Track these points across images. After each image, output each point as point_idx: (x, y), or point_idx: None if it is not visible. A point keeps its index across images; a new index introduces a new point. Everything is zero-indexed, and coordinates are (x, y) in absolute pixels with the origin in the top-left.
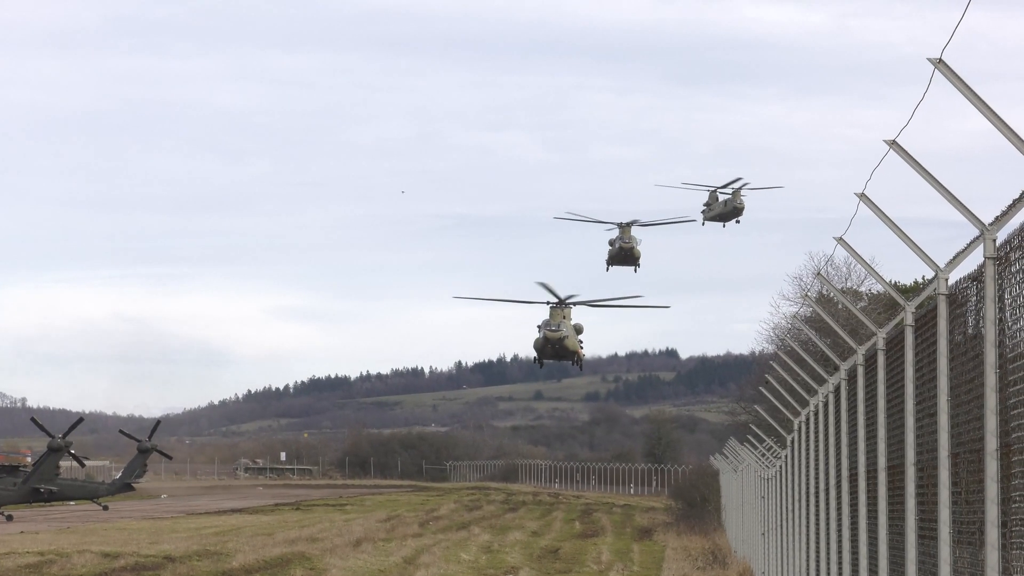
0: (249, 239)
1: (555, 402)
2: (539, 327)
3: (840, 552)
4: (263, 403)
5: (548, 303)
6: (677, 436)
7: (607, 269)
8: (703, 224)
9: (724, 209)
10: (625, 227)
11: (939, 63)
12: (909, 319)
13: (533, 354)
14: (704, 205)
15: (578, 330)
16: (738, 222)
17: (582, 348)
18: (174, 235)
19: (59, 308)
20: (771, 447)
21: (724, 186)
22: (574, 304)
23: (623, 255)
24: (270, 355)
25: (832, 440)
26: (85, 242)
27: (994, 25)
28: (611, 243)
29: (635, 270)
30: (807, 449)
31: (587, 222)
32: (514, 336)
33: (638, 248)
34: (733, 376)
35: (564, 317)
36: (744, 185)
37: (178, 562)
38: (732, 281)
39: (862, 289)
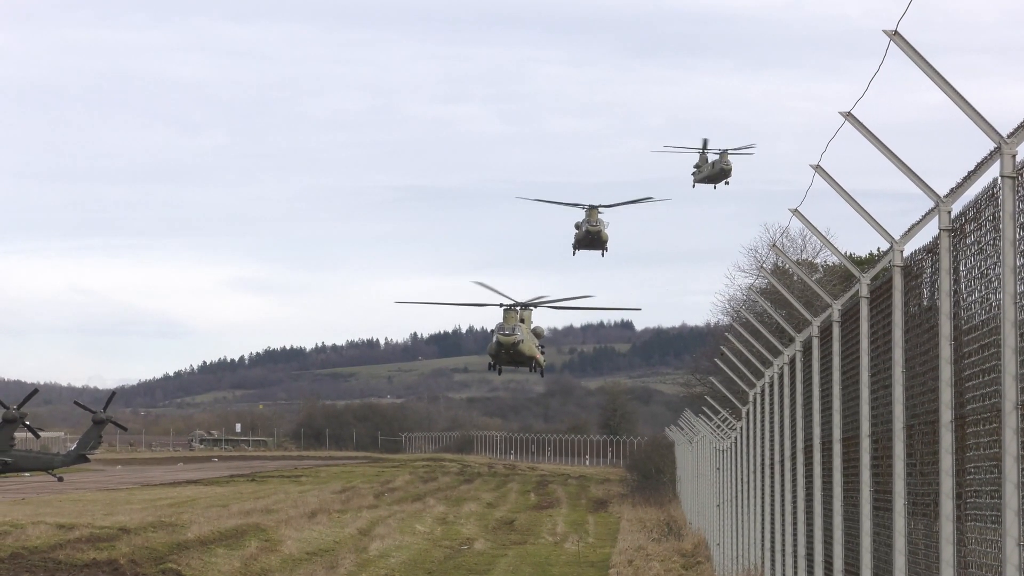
0: (205, 211)
1: (510, 373)
2: (493, 331)
3: (795, 524)
4: (218, 374)
5: (502, 305)
6: (632, 408)
7: (574, 253)
8: (693, 186)
9: (712, 171)
10: (591, 210)
11: (895, 35)
12: (864, 291)
13: (489, 327)
14: (694, 167)
15: (538, 334)
16: (727, 183)
17: (543, 353)
18: (129, 207)
19: (14, 279)
20: (726, 419)
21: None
22: (534, 306)
23: (590, 239)
24: (225, 326)
25: (787, 412)
26: (41, 213)
27: None
28: (577, 226)
29: (603, 254)
30: (762, 421)
31: (550, 203)
32: (469, 308)
33: (605, 232)
34: (688, 348)
35: (520, 320)
36: (743, 149)
37: (133, 533)
38: (688, 253)
39: (817, 261)
